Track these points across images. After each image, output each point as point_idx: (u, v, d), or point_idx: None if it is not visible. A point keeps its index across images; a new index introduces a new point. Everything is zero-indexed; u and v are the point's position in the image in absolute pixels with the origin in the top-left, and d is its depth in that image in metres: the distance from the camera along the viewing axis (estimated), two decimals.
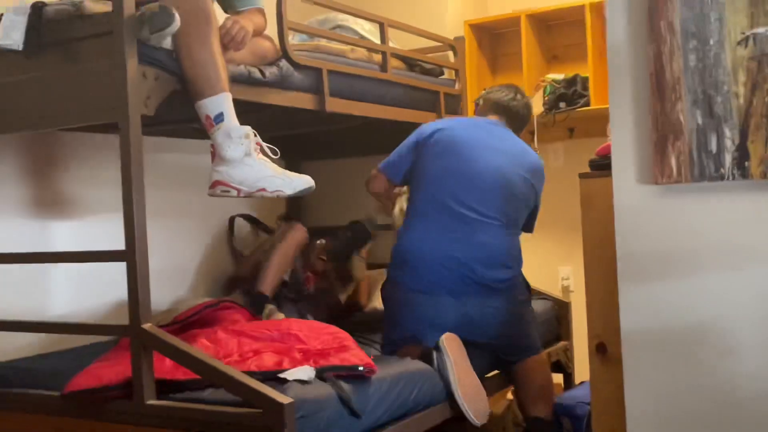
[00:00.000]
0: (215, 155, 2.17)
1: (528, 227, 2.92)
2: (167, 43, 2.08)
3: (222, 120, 2.11)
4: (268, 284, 2.92)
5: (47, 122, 2.20)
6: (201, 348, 2.15)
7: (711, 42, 1.58)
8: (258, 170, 2.15)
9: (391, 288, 2.71)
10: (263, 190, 2.15)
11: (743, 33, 1.55)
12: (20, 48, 2.07)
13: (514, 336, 2.71)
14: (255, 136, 2.18)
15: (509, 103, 2.92)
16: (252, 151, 2.14)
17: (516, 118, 2.93)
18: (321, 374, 2.03)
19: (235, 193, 2.16)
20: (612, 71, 1.72)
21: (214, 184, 2.18)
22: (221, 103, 2.11)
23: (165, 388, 2.01)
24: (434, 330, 2.53)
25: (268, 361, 2.06)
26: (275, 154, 2.24)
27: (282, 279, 3.03)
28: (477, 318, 2.60)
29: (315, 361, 2.08)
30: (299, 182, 2.21)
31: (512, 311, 2.68)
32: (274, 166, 2.21)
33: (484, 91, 3.07)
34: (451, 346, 2.48)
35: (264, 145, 2.22)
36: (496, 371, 2.79)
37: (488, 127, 2.85)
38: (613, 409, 1.90)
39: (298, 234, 3.07)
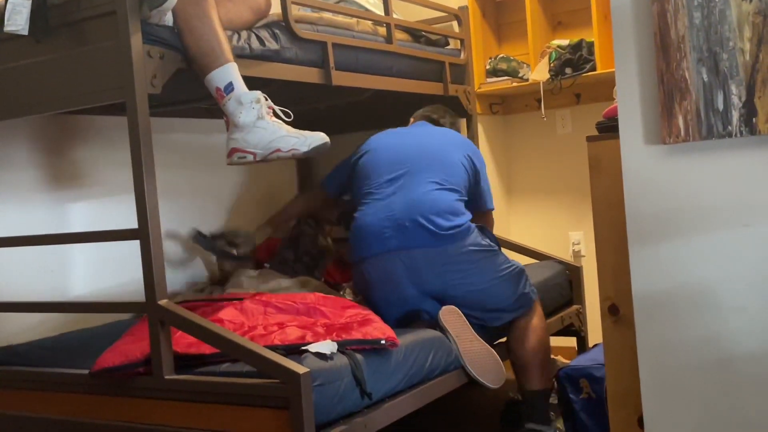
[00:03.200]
0: (229, 124, 2.18)
1: (482, 204, 2.90)
2: (168, 19, 2.09)
3: (232, 89, 2.13)
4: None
5: (56, 105, 2.22)
6: (228, 320, 2.19)
7: None
8: (272, 132, 2.15)
9: (355, 273, 2.73)
10: (278, 150, 2.16)
11: None
12: (25, 32, 2.08)
13: (481, 292, 2.61)
14: (266, 99, 2.19)
15: (438, 120, 3.11)
16: (264, 115, 2.15)
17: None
18: (342, 348, 2.05)
19: (251, 157, 2.17)
20: (617, 32, 1.71)
21: (231, 152, 2.19)
22: (229, 73, 2.12)
23: (187, 362, 2.04)
24: (411, 302, 2.55)
25: (292, 335, 2.08)
26: (288, 117, 2.25)
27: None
28: (425, 267, 2.54)
29: (338, 334, 2.10)
30: (313, 139, 2.21)
31: (465, 260, 2.58)
32: (288, 126, 2.22)
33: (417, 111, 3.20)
34: (448, 319, 2.48)
35: (276, 108, 2.22)
36: (502, 339, 2.80)
37: (416, 127, 3.05)
38: (626, 368, 1.92)
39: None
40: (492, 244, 2.70)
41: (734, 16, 1.56)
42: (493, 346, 2.60)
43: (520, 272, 2.72)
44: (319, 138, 2.23)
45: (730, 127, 1.59)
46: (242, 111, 2.13)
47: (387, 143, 2.86)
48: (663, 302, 1.71)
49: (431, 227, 2.55)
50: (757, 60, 1.56)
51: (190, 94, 2.64)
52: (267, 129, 2.15)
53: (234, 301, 2.34)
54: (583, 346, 3.34)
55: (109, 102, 2.11)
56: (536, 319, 2.73)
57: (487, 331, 2.66)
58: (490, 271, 2.63)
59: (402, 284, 2.55)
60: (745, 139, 1.59)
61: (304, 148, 2.19)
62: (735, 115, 1.58)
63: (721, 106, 1.59)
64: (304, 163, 3.86)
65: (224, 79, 2.12)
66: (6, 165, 2.65)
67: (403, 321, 2.57)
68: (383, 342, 2.09)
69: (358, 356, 2.04)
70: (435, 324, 2.50)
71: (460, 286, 2.58)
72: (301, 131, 2.22)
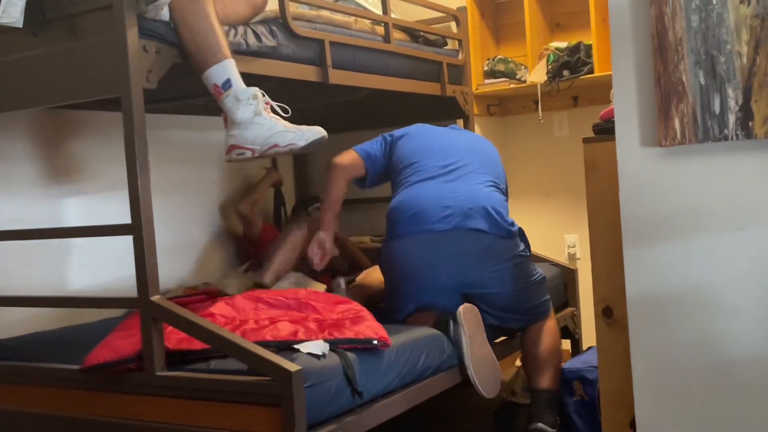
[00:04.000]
0: (227, 121, 2.18)
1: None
2: (165, 14, 2.08)
3: (230, 86, 2.12)
4: (270, 274, 2.97)
5: (51, 98, 2.21)
6: (219, 314, 2.19)
7: (713, 1, 1.57)
8: (269, 127, 2.15)
9: (387, 253, 2.68)
10: (276, 146, 2.16)
11: None
12: (20, 25, 2.07)
13: (511, 294, 2.65)
14: (263, 96, 2.18)
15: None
16: (262, 111, 2.15)
17: None
18: (334, 346, 2.04)
19: (249, 153, 2.16)
20: (614, 34, 1.71)
21: (229, 149, 2.19)
22: (227, 70, 2.11)
23: (178, 358, 2.03)
24: (438, 292, 2.53)
25: (283, 330, 2.07)
26: (286, 112, 2.25)
27: (286, 271, 3.05)
28: (472, 254, 2.56)
29: (329, 332, 2.10)
30: (311, 133, 2.21)
31: (510, 260, 2.63)
32: (285, 122, 2.22)
33: None
34: (467, 319, 2.48)
35: (273, 104, 2.22)
36: (503, 338, 2.81)
37: (453, 128, 3.06)
38: (619, 370, 1.91)
39: (312, 229, 3.04)
40: (527, 250, 2.78)
41: (732, 20, 1.56)
42: (492, 344, 2.60)
43: (543, 279, 2.81)
44: (317, 132, 2.22)
45: (726, 131, 1.59)
46: (240, 107, 2.12)
47: (431, 132, 2.89)
48: (656, 305, 1.71)
49: (497, 217, 2.60)
50: (754, 63, 1.55)
51: (186, 90, 2.63)
52: (264, 125, 2.14)
53: (225, 297, 2.34)
54: (577, 348, 3.35)
55: (104, 96, 2.10)
56: (552, 322, 2.81)
57: (495, 330, 2.69)
58: (525, 276, 2.69)
59: (441, 268, 2.55)
60: (741, 143, 1.58)
61: (302, 143, 2.19)
62: (731, 119, 1.58)
63: (717, 110, 1.59)
64: (300, 159, 3.85)
65: (222, 76, 2.12)
66: (1, 158, 2.64)
67: (418, 311, 2.58)
68: (375, 342, 2.09)
69: (350, 355, 2.03)
70: (448, 317, 2.49)
71: (494, 284, 2.61)
72: (299, 126, 2.21)
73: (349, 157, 2.84)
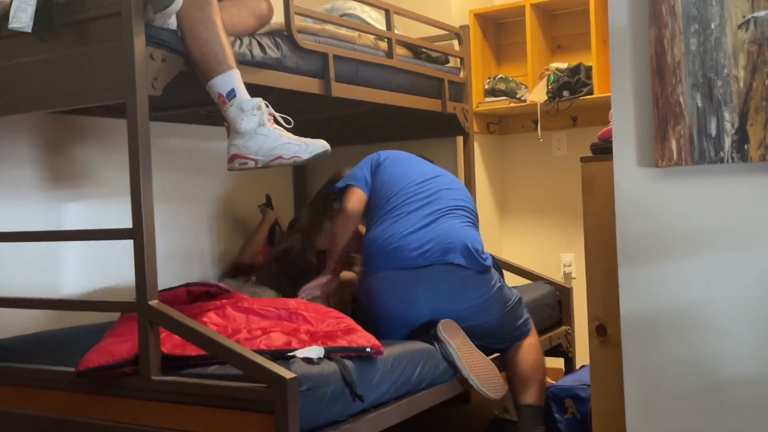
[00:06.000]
0: (230, 131, 2.20)
1: None
2: (172, 23, 2.11)
3: (234, 96, 2.15)
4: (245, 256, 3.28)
5: (57, 102, 2.23)
6: (210, 323, 2.19)
7: (712, 26, 1.60)
8: (273, 139, 2.17)
9: (366, 288, 2.69)
10: (280, 157, 2.17)
11: (744, 16, 1.57)
12: (29, 30, 2.09)
13: (492, 323, 2.69)
14: (267, 107, 2.20)
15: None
16: (266, 122, 2.17)
17: None
18: (329, 354, 2.06)
19: (252, 164, 2.18)
20: (614, 55, 1.74)
21: (232, 158, 2.21)
22: (232, 80, 2.14)
23: (173, 364, 2.04)
24: (417, 329, 2.56)
25: (277, 340, 2.08)
26: (289, 123, 2.27)
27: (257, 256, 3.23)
28: (452, 289, 2.60)
29: (323, 342, 2.11)
30: (315, 146, 2.23)
31: (488, 292, 2.66)
32: (289, 133, 2.23)
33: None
34: (448, 331, 2.51)
35: (277, 115, 2.24)
36: (496, 354, 2.82)
37: (422, 160, 3.05)
38: (612, 389, 1.92)
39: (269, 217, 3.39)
40: (501, 277, 2.82)
41: (730, 44, 1.59)
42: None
43: (520, 300, 2.82)
44: (321, 145, 2.25)
45: (722, 153, 1.61)
46: (244, 118, 2.14)
47: (409, 161, 2.91)
48: (650, 324, 1.73)
49: (475, 254, 2.64)
50: (750, 88, 1.58)
51: (190, 99, 2.66)
52: (269, 136, 2.16)
53: (216, 304, 2.33)
54: (570, 366, 3.36)
55: (109, 102, 2.13)
56: (534, 339, 2.83)
57: (482, 349, 2.69)
58: (502, 304, 2.72)
59: (419, 305, 2.58)
60: (736, 165, 1.61)
61: (306, 156, 2.21)
62: (727, 141, 1.61)
63: (714, 132, 1.62)
64: (300, 171, 3.88)
65: (227, 86, 2.14)
66: (4, 161, 2.65)
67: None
68: (369, 350, 2.10)
69: (347, 362, 2.05)
70: (430, 339, 2.51)
71: (473, 317, 2.64)
72: (302, 138, 2.23)
73: (357, 199, 2.82)
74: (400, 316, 2.60)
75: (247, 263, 3.34)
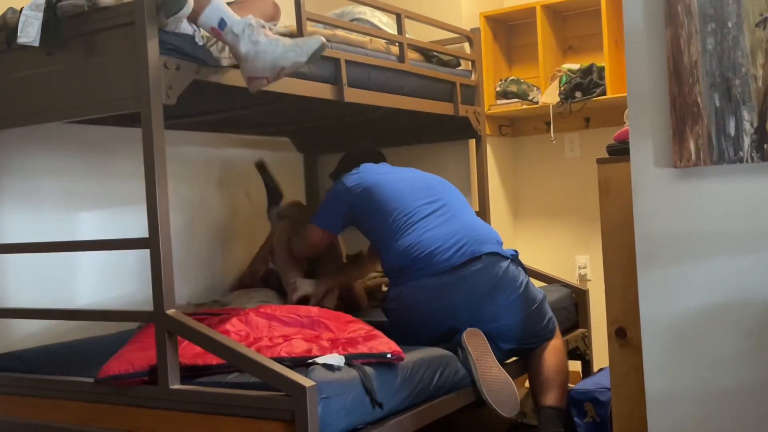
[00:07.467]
0: (236, 57, 2.21)
1: None
2: (184, 27, 2.11)
3: (226, 24, 2.15)
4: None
5: (70, 113, 2.24)
6: (233, 329, 2.20)
7: (729, 24, 1.59)
8: (271, 51, 2.16)
9: (401, 297, 2.66)
10: (283, 68, 2.18)
11: (761, 15, 1.56)
12: (36, 44, 2.10)
13: (521, 321, 2.67)
14: (257, 21, 2.19)
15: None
16: (260, 38, 2.16)
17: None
18: (349, 361, 2.05)
19: (265, 81, 2.20)
20: (629, 56, 1.73)
21: (248, 81, 2.21)
22: (218, 9, 2.14)
23: (192, 373, 2.04)
24: (454, 334, 2.55)
25: (298, 348, 2.08)
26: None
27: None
28: (489, 288, 2.60)
29: (344, 348, 2.11)
30: (309, 46, 2.21)
31: (517, 288, 2.66)
32: (284, 39, 2.23)
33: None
34: (471, 342, 2.49)
35: (269, 25, 2.23)
36: (515, 358, 2.81)
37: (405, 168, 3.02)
38: (632, 392, 1.91)
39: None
40: (525, 272, 2.79)
41: (747, 43, 1.58)
42: (504, 365, 2.60)
43: (544, 297, 2.82)
44: (315, 42, 2.22)
45: (741, 153, 1.60)
46: (240, 42, 2.15)
47: (392, 175, 2.86)
48: (671, 326, 1.71)
49: (499, 247, 2.67)
50: None
51: (204, 107, 2.66)
52: (267, 50, 2.16)
53: (239, 310, 2.35)
54: (587, 370, 3.33)
55: (123, 112, 2.13)
56: (558, 340, 2.82)
57: (509, 352, 2.72)
58: (531, 300, 2.71)
59: (458, 311, 2.57)
60: (756, 165, 1.60)
61: (304, 58, 2.20)
62: (746, 141, 1.59)
63: (732, 132, 1.61)
64: (311, 172, 3.87)
65: (215, 17, 2.14)
66: (19, 172, 2.66)
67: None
68: (389, 356, 2.10)
69: (367, 369, 2.04)
70: (454, 345, 2.50)
71: (505, 316, 2.63)
72: (295, 40, 2.23)
73: (320, 241, 2.90)
74: (439, 323, 2.59)
75: (260, 278, 3.32)
